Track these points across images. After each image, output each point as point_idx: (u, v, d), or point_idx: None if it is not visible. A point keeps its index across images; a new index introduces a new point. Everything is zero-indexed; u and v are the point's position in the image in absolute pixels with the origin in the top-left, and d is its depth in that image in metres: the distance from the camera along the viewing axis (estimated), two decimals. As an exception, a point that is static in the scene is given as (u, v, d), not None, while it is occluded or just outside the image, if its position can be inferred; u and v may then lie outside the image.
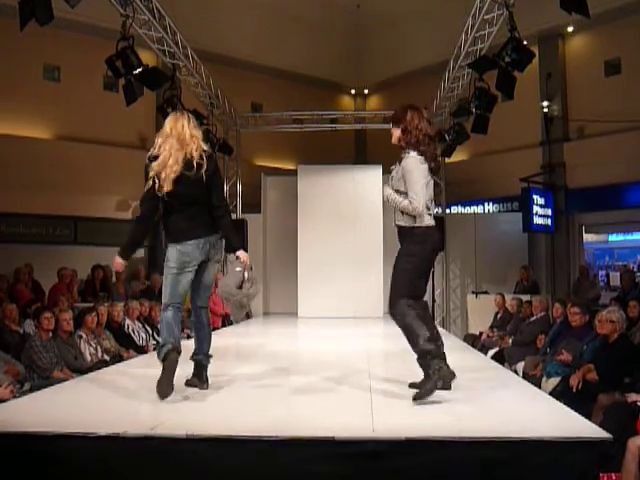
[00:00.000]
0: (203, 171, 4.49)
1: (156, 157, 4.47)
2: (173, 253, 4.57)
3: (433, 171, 4.66)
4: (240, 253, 4.94)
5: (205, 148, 4.58)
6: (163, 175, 4.41)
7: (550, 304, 9.24)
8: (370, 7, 16.30)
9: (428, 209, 4.66)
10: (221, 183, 4.91)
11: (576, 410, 3.94)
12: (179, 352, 4.44)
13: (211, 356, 4.84)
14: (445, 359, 4.38)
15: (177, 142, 4.48)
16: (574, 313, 7.43)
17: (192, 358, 4.81)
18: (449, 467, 3.31)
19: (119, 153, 13.99)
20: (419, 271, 4.75)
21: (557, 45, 14.56)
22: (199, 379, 4.77)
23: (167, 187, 4.41)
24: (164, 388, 4.30)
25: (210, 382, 4.81)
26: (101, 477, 3.42)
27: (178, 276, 4.56)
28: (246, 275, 5.06)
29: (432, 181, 4.68)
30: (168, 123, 4.61)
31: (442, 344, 4.49)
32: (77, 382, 5.36)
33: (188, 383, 4.76)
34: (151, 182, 4.46)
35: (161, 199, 4.51)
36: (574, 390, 5.95)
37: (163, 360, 4.36)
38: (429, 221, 4.69)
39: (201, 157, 4.50)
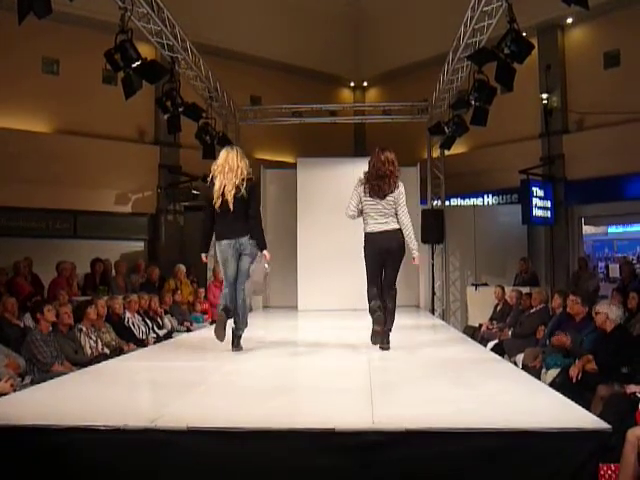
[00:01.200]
0: (243, 192, 6.10)
1: (213, 181, 6.18)
2: (217, 249, 6.39)
3: (378, 196, 6.43)
4: (265, 252, 6.49)
5: (248, 174, 6.18)
6: (218, 195, 6.12)
7: (549, 296, 9.26)
8: (369, -1, 16.30)
9: (372, 219, 6.52)
10: (257, 200, 6.47)
11: (575, 401, 3.95)
12: (227, 310, 6.28)
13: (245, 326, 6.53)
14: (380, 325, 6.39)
15: (229, 171, 6.11)
16: (574, 302, 7.46)
17: (235, 329, 6.49)
18: (449, 458, 3.32)
19: (118, 147, 13.99)
20: (367, 265, 6.67)
21: (556, 37, 14.53)
22: (235, 344, 6.45)
23: (219, 203, 6.13)
24: (218, 333, 6.20)
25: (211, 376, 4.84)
26: (102, 470, 3.43)
27: (223, 265, 6.41)
28: (268, 269, 6.74)
29: (375, 202, 6.45)
30: (222, 156, 6.24)
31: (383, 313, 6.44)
32: (77, 375, 5.37)
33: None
34: (212, 198, 6.16)
35: (214, 210, 6.19)
36: (574, 381, 5.98)
37: (219, 314, 6.29)
38: (370, 229, 6.55)
39: (242, 181, 6.11)
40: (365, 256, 6.68)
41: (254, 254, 6.45)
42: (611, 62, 13.78)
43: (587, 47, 14.32)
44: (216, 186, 6.14)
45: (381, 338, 6.49)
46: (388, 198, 6.41)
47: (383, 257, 6.52)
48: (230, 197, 6.09)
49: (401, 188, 6.45)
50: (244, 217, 6.22)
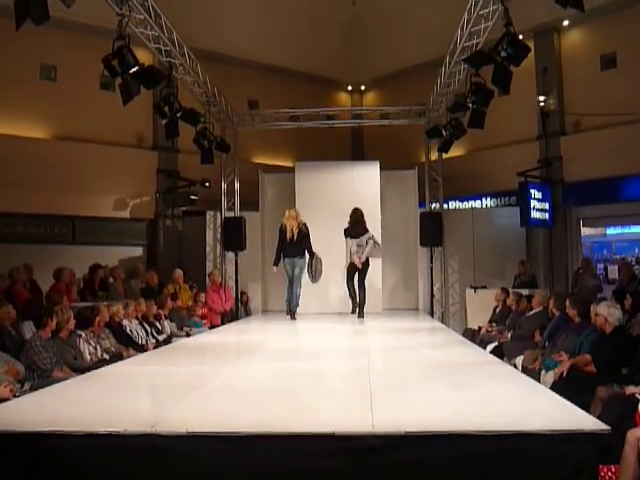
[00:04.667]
0: (302, 229, 10.49)
1: (285, 225, 10.54)
2: (284, 262, 10.60)
3: (357, 235, 10.59)
4: (317, 255, 10.69)
5: (303, 222, 10.58)
6: (288, 233, 10.44)
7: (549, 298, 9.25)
8: (366, 3, 16.31)
9: (353, 250, 10.59)
10: (308, 236, 10.52)
11: (575, 403, 3.95)
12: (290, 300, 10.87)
13: (297, 305, 10.94)
14: (355, 302, 10.82)
15: (292, 219, 10.52)
16: (569, 307, 7.49)
17: (292, 306, 10.88)
18: (449, 461, 3.32)
19: (116, 152, 14.02)
20: (347, 273, 10.80)
21: (553, 39, 14.60)
22: (292, 316, 10.83)
23: (288, 238, 10.47)
24: (288, 312, 10.97)
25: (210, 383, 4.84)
26: (102, 475, 3.42)
27: (286, 272, 10.68)
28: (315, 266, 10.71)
29: (355, 239, 10.57)
30: (287, 212, 10.67)
31: (358, 296, 10.76)
32: (77, 381, 5.36)
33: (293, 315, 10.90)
34: (282, 235, 10.54)
35: (284, 241, 10.53)
36: (558, 378, 6.01)
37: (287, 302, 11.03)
38: (352, 259, 10.64)
39: (300, 225, 10.49)
40: (347, 269, 10.79)
41: (303, 266, 10.61)
42: (607, 64, 13.84)
43: (583, 49, 14.37)
44: (288, 228, 10.45)
45: (356, 311, 10.74)
46: (362, 237, 10.55)
47: (356, 270, 10.66)
48: (295, 233, 10.42)
49: (370, 232, 10.68)
50: (300, 245, 10.47)
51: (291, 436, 3.38)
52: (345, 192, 12.51)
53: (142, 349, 8.25)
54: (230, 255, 13.40)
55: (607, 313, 6.30)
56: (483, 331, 10.35)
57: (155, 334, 9.29)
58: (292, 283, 10.75)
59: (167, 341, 9.12)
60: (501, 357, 7.90)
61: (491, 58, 7.89)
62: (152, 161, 14.77)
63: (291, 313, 10.87)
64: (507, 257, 13.45)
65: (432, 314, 12.95)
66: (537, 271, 13.71)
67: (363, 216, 10.75)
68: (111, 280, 11.66)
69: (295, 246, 10.50)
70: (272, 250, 13.14)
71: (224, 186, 13.59)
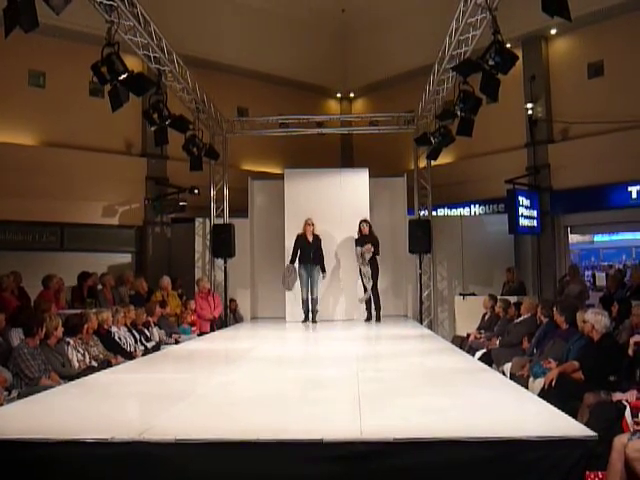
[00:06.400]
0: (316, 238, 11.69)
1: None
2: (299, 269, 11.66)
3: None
4: (324, 273, 11.77)
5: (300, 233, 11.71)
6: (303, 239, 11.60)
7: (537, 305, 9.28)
8: (355, 11, 16.40)
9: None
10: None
11: (563, 409, 3.97)
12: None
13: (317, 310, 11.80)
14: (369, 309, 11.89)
15: (308, 228, 11.57)
16: (557, 314, 7.53)
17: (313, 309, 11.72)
18: (437, 468, 3.33)
19: (105, 159, 13.98)
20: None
21: (540, 48, 14.68)
22: (313, 320, 11.63)
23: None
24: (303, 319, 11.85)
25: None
26: (90, 483, 3.42)
27: (301, 278, 11.67)
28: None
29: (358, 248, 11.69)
30: (304, 223, 11.63)
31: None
32: (65, 388, 5.34)
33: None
34: (298, 240, 11.65)
35: (300, 247, 11.59)
36: (546, 387, 6.03)
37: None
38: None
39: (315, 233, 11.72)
40: None
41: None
42: (595, 72, 13.94)
43: (571, 58, 14.47)
44: (304, 237, 11.67)
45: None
46: (361, 247, 11.61)
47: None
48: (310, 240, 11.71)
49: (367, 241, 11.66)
50: (317, 252, 11.62)
51: (279, 443, 3.38)
52: (334, 199, 12.54)
53: (130, 356, 8.21)
54: (219, 262, 13.38)
55: (594, 320, 6.33)
56: (472, 338, 10.36)
57: (144, 341, 9.25)
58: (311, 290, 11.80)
59: (156, 348, 9.08)
60: (489, 364, 7.91)
61: (479, 66, 7.93)
62: (141, 168, 14.74)
63: (314, 316, 11.67)
64: (495, 264, 13.48)
65: (421, 321, 12.96)
66: (525, 278, 13.75)
67: (361, 227, 11.79)
68: (100, 287, 11.61)
69: (307, 252, 11.79)
70: (261, 257, 13.36)
71: (213, 193, 13.57)
